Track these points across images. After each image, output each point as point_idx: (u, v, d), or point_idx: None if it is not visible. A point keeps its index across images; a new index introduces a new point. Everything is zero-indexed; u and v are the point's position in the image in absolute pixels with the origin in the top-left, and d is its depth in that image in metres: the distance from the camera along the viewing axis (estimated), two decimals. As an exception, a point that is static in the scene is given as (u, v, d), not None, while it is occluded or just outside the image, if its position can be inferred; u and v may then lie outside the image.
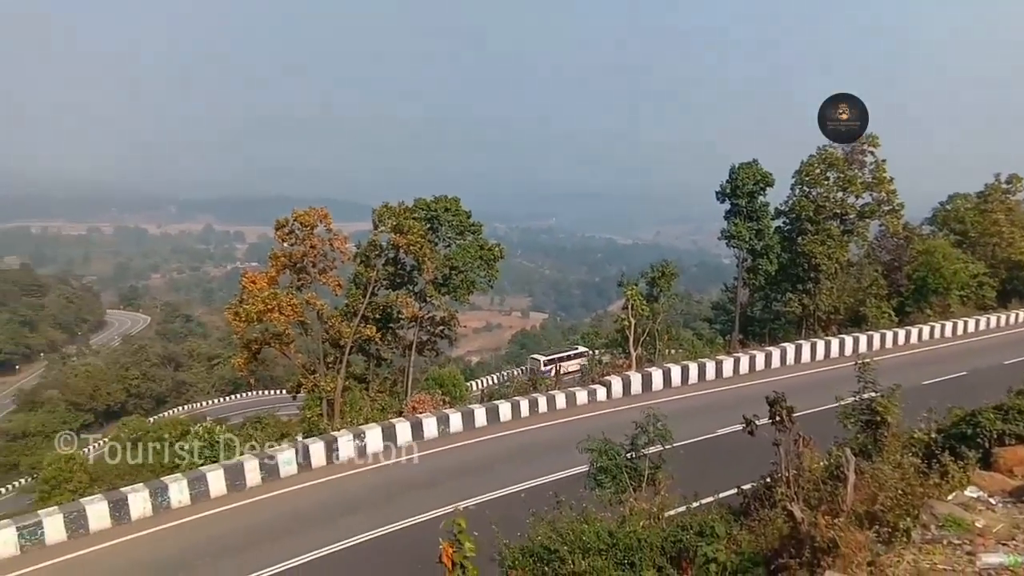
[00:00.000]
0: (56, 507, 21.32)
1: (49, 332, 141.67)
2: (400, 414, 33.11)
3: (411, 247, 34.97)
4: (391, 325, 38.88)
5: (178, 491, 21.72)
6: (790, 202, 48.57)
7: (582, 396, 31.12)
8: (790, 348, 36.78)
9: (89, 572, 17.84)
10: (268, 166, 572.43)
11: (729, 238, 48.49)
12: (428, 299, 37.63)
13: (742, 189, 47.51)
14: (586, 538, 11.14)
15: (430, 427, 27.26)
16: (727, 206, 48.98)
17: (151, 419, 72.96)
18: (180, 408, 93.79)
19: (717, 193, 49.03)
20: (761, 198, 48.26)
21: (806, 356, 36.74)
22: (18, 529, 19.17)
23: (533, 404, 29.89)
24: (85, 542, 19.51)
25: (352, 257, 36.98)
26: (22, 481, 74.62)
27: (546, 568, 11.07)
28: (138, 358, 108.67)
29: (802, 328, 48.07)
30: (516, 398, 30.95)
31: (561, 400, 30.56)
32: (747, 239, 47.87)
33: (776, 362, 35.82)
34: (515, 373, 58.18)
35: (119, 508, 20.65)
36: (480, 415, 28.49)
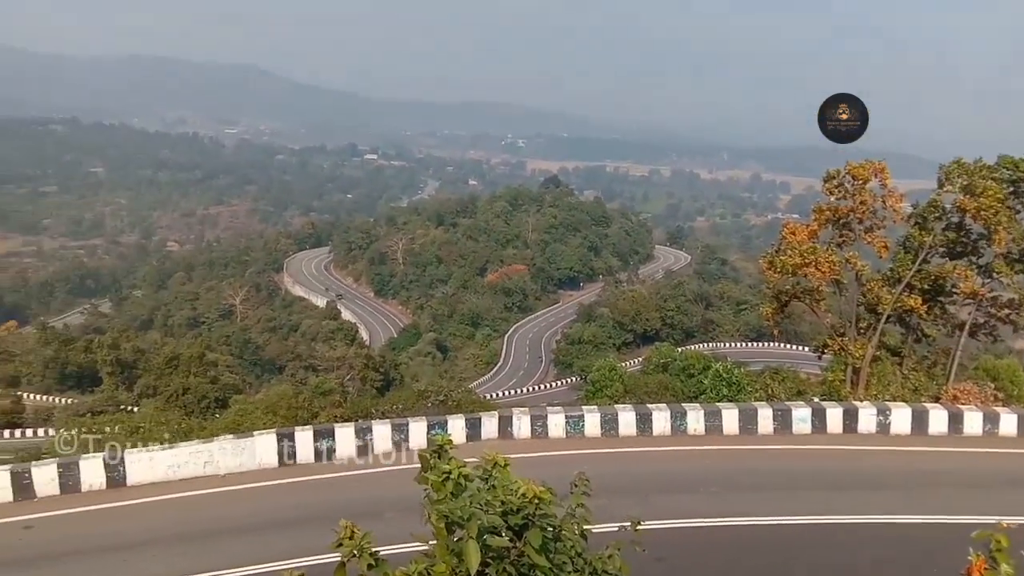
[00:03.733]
0: (596, 406, 25.16)
1: (608, 258, 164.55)
2: (937, 400, 29.36)
3: (982, 212, 29.84)
4: (940, 299, 34.19)
5: (695, 419, 23.38)
6: None
7: None
8: None
9: (613, 466, 20.56)
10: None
11: None
12: (995, 275, 31.83)
13: None
14: None
15: (973, 423, 23.52)
16: None
17: (679, 349, 79.64)
18: (704, 344, 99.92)
19: None
20: None
21: None
22: (566, 418, 23.21)
23: None
24: (614, 443, 22.46)
25: (906, 218, 33.40)
26: (574, 379, 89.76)
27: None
28: (675, 292, 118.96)
29: None
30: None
31: None
32: None
33: None
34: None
35: (644, 421, 23.24)
36: (1045, 424, 23.40)
